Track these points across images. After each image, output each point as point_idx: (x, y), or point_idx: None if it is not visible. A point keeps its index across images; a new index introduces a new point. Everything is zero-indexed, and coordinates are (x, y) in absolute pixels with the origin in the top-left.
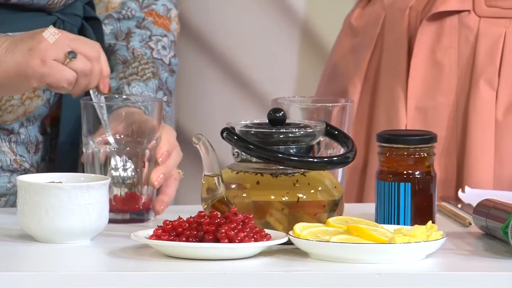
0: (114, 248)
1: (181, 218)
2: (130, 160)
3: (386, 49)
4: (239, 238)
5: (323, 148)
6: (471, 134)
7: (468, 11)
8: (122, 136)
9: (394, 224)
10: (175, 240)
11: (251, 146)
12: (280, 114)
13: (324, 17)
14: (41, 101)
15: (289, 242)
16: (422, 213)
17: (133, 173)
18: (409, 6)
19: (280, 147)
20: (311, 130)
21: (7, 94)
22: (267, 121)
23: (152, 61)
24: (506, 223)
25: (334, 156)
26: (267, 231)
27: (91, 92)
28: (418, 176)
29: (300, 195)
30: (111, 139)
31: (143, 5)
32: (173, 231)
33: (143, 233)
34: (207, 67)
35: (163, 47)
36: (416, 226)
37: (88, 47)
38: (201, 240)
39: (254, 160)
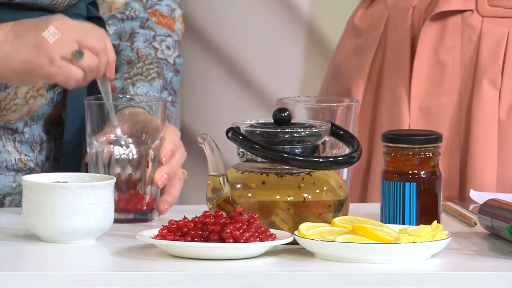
0: (119, 248)
1: (187, 218)
2: (132, 143)
3: (389, 49)
4: (244, 238)
5: (328, 148)
6: (474, 134)
7: (471, 10)
8: (126, 136)
9: (399, 224)
10: (180, 240)
11: (256, 146)
12: (285, 114)
13: (329, 17)
14: (45, 100)
15: (294, 242)
16: (428, 213)
17: (136, 154)
18: (412, 6)
19: (286, 147)
20: (316, 130)
21: (13, 83)
22: (272, 121)
23: (156, 61)
24: (511, 223)
25: (339, 156)
26: (272, 231)
27: (97, 80)
28: (424, 176)
29: (306, 195)
30: (115, 124)
31: (147, 6)
32: (178, 231)
33: (148, 233)
34: (212, 67)
35: (167, 47)
36: (421, 226)
37: (94, 40)
38: (207, 240)
39: (259, 160)
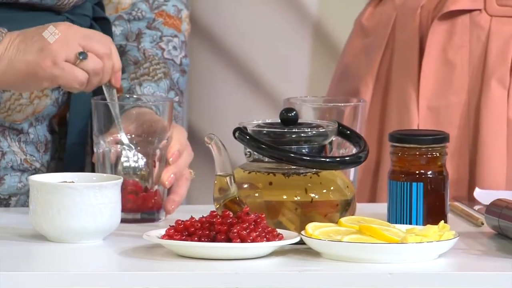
0: (126, 248)
1: (194, 218)
2: (141, 154)
3: (398, 48)
4: (251, 237)
5: (335, 148)
6: (483, 133)
7: (480, 10)
8: (133, 136)
9: (406, 224)
10: (187, 240)
11: (263, 146)
12: (292, 114)
13: (336, 17)
14: (50, 100)
15: (301, 242)
16: (434, 213)
17: (144, 164)
18: (421, 5)
19: (292, 147)
20: (323, 130)
21: (18, 91)
22: (279, 121)
23: (163, 61)
24: None
25: (346, 156)
26: (279, 230)
27: (103, 86)
28: (430, 176)
29: (313, 195)
30: (122, 134)
31: (153, 6)
32: (185, 231)
33: (155, 232)
34: (219, 67)
35: (174, 48)
36: (428, 226)
37: (99, 44)
38: (213, 240)
39: (266, 160)
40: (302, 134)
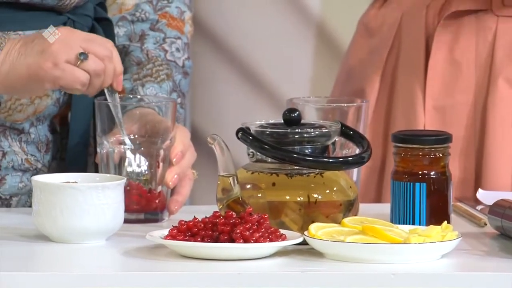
0: (129, 248)
1: (196, 218)
2: (144, 158)
3: (404, 48)
4: (254, 238)
5: (338, 148)
6: (490, 133)
7: (486, 10)
8: (136, 136)
9: (409, 224)
10: (190, 240)
11: (266, 146)
12: (295, 114)
13: (339, 17)
14: (51, 100)
15: (304, 242)
16: (437, 213)
17: (147, 169)
18: (427, 5)
19: (295, 147)
20: (326, 130)
21: (21, 96)
22: (282, 121)
23: (166, 63)
24: None
25: (349, 156)
26: (282, 231)
27: (105, 90)
28: (434, 176)
29: (315, 195)
30: (125, 139)
31: (157, 8)
32: (188, 231)
33: (158, 233)
34: (222, 67)
35: (177, 49)
36: (431, 226)
37: (100, 47)
38: (216, 240)
39: (269, 160)
40: (305, 135)
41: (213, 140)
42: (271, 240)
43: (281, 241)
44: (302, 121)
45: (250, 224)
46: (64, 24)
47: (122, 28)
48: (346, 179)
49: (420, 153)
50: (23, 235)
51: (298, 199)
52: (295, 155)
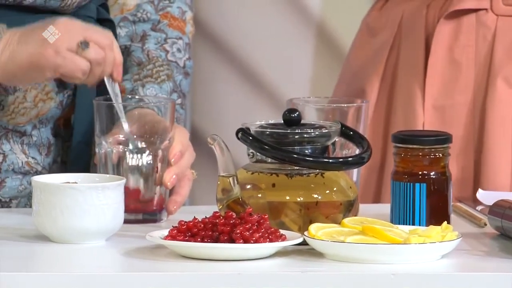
0: (129, 249)
1: (196, 219)
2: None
3: (404, 48)
4: (254, 238)
5: (338, 148)
6: (489, 133)
7: (486, 9)
8: (135, 136)
9: (409, 224)
10: (190, 241)
11: (266, 147)
12: (295, 115)
13: (339, 17)
14: (54, 103)
15: (304, 243)
16: (437, 214)
17: (149, 162)
18: (427, 4)
19: (295, 147)
20: (326, 131)
21: (21, 85)
22: (282, 121)
23: (166, 63)
24: None
25: (349, 157)
26: (282, 231)
27: (105, 79)
28: (433, 176)
29: (315, 196)
30: (125, 126)
31: (158, 8)
32: (188, 231)
33: (158, 233)
34: (222, 68)
35: (178, 50)
36: (431, 226)
37: (101, 35)
38: (216, 240)
39: (269, 160)
40: (305, 135)
41: (213, 141)
42: (271, 241)
43: (281, 241)
44: (302, 122)
45: (250, 225)
46: None
47: (123, 28)
48: (346, 180)
49: (420, 154)
50: (23, 235)
51: (298, 199)
52: (295, 156)
